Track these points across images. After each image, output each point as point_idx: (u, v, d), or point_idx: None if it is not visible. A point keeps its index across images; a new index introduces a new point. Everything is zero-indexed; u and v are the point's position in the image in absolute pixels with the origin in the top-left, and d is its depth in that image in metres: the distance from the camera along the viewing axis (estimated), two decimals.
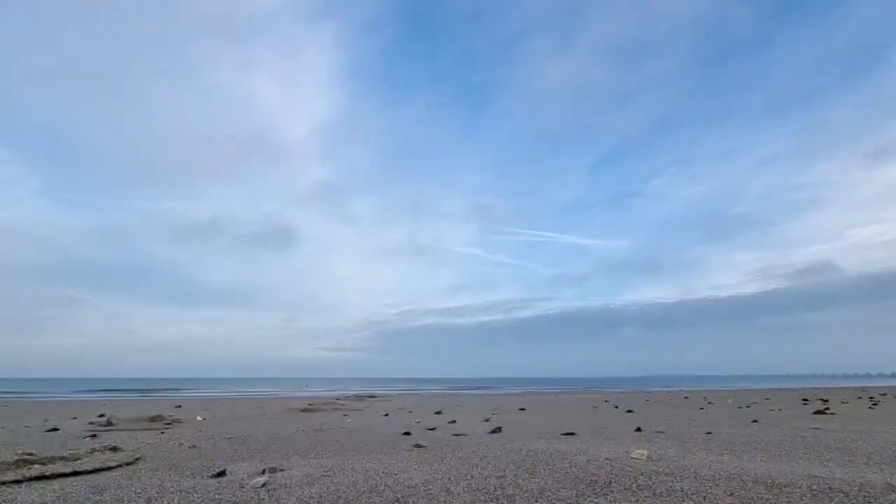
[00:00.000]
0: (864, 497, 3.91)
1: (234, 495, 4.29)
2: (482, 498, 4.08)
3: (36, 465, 5.40)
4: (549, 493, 4.16)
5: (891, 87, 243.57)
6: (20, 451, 6.38)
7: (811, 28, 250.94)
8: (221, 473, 5.17)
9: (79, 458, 6.01)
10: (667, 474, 4.80)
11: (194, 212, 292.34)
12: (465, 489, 4.36)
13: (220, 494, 4.33)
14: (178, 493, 4.40)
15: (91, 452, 6.51)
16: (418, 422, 11.96)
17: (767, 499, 3.90)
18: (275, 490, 4.44)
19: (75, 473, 5.16)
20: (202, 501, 4.13)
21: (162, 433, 9.62)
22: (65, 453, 6.34)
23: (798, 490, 4.14)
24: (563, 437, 8.19)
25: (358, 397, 30.70)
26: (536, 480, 4.64)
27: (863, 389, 34.88)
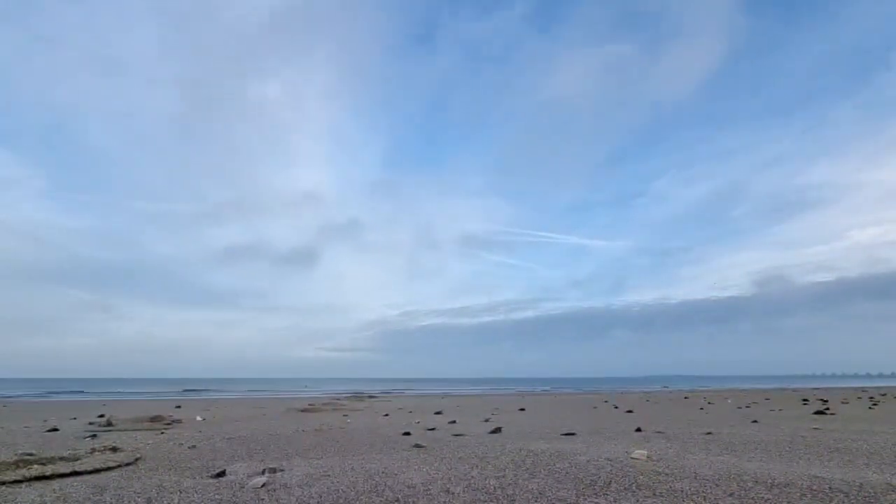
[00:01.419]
0: (864, 497, 3.91)
1: (233, 495, 4.29)
2: (482, 498, 4.08)
3: (36, 465, 5.40)
4: (549, 494, 4.16)
5: (892, 89, 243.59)
6: (20, 452, 6.38)
7: (814, 30, 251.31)
8: (221, 474, 5.17)
9: (79, 459, 6.01)
10: (667, 474, 4.80)
11: (240, 237, 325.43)
12: (465, 489, 4.36)
13: (219, 494, 4.33)
14: (178, 493, 4.40)
15: (91, 453, 6.51)
16: (418, 422, 11.96)
17: (767, 499, 3.90)
18: (275, 490, 4.44)
19: (75, 473, 5.16)
20: (202, 501, 4.13)
21: (162, 433, 9.62)
22: (65, 453, 6.34)
23: (798, 490, 4.14)
24: (563, 437, 8.19)
25: (358, 397, 30.71)
26: (536, 480, 4.64)
27: (863, 389, 34.89)
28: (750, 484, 4.37)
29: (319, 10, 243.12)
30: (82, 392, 46.77)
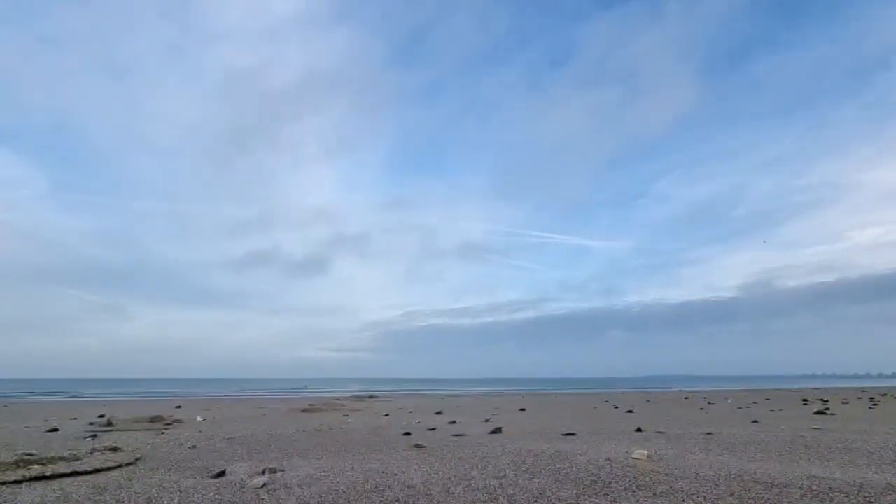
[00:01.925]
0: (865, 497, 3.91)
1: (234, 496, 4.29)
2: (482, 498, 4.08)
3: (36, 466, 5.40)
4: (550, 494, 4.16)
5: (893, 90, 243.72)
6: (20, 452, 6.38)
7: (817, 31, 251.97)
8: (221, 474, 5.17)
9: (79, 459, 6.01)
10: (667, 474, 4.79)
11: (257, 246, 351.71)
12: (466, 489, 4.36)
13: (219, 495, 4.33)
14: (178, 493, 4.40)
15: (91, 453, 6.51)
16: (419, 422, 11.96)
17: (767, 499, 3.90)
18: (275, 490, 4.44)
19: (75, 474, 5.16)
20: (202, 501, 4.13)
21: (162, 433, 9.62)
22: (65, 453, 6.34)
23: (798, 490, 4.14)
24: (563, 437, 8.19)
25: (358, 398, 30.70)
26: (537, 481, 4.64)
27: (863, 389, 34.87)
28: (750, 484, 4.37)
29: (345, 69, 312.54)
30: (82, 392, 46.74)
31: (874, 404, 17.49)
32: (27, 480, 4.84)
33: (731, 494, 4.04)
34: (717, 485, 4.37)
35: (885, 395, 25.08)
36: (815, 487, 4.22)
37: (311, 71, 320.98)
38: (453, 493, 4.23)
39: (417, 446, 7.12)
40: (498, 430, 9.41)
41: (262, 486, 4.55)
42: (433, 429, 10.08)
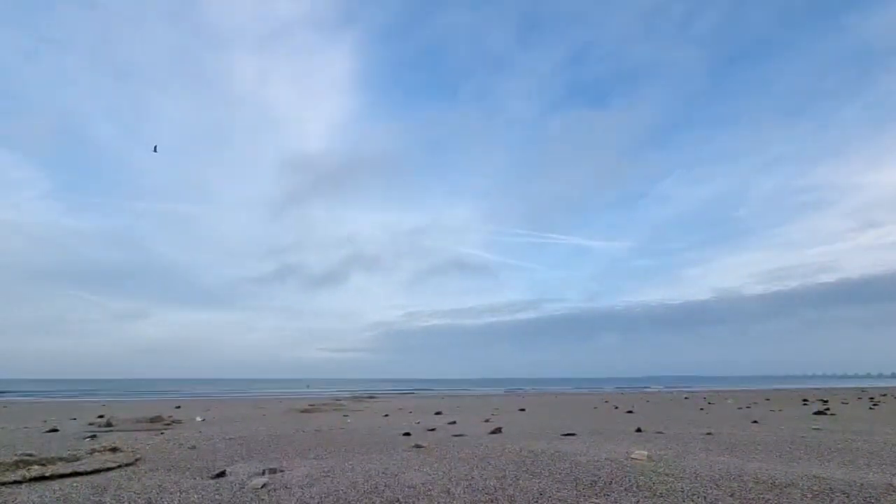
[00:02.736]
0: (865, 497, 3.90)
1: (233, 496, 4.29)
2: (482, 498, 4.08)
3: (36, 466, 5.39)
4: (550, 494, 4.15)
5: (894, 92, 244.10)
6: (20, 452, 6.37)
7: (818, 33, 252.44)
8: (221, 474, 5.17)
9: (78, 459, 6.00)
10: (667, 474, 4.79)
11: (285, 261, 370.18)
12: (466, 490, 4.36)
13: (219, 495, 4.32)
14: (178, 493, 4.40)
15: (91, 453, 6.50)
16: (418, 422, 11.95)
17: (768, 499, 3.90)
18: (275, 491, 4.43)
19: (75, 474, 5.15)
20: (202, 502, 4.12)
21: (161, 434, 9.61)
22: (64, 454, 6.33)
23: (798, 490, 4.13)
24: (564, 437, 8.18)
25: (358, 398, 30.69)
26: (537, 481, 4.64)
27: (863, 390, 34.86)
28: (750, 484, 4.37)
29: (371, 150, 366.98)
30: (82, 392, 46.72)
31: (874, 404, 17.48)
32: (27, 481, 4.84)
33: (731, 495, 4.04)
34: (717, 485, 4.37)
35: (885, 395, 25.08)
36: (815, 487, 4.21)
37: (353, 156, 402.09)
38: (453, 494, 4.23)
39: (417, 446, 7.11)
40: (498, 430, 9.40)
41: (262, 487, 4.55)
42: (433, 429, 10.07)
